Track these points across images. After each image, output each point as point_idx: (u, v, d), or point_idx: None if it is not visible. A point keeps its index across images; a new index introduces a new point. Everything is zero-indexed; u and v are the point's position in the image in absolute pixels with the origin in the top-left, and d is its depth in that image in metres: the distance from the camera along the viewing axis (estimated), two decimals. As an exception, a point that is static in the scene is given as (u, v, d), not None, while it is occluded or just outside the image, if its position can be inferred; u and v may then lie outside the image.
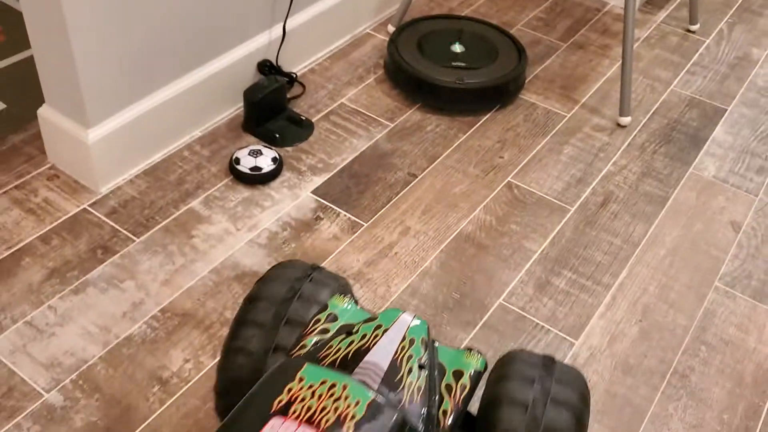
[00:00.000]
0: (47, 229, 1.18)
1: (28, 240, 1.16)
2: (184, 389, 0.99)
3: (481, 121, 1.47)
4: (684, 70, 1.66)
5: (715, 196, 1.36)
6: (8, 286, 1.10)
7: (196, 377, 1.01)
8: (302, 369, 0.72)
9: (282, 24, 1.45)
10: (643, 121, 1.52)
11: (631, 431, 1.00)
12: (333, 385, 0.71)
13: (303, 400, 0.69)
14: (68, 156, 1.24)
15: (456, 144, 1.42)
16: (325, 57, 1.59)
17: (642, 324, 1.14)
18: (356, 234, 1.23)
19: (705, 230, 1.30)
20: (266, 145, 1.34)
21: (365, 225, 1.25)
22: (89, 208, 1.22)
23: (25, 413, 0.95)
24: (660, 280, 1.21)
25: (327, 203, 1.27)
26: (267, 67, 1.44)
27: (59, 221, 1.19)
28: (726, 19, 1.84)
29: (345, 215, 1.26)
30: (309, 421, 0.68)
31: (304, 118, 1.42)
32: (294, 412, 0.68)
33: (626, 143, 1.46)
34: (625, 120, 1.49)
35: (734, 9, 1.88)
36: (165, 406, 0.97)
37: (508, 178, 1.36)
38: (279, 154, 1.32)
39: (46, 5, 1.07)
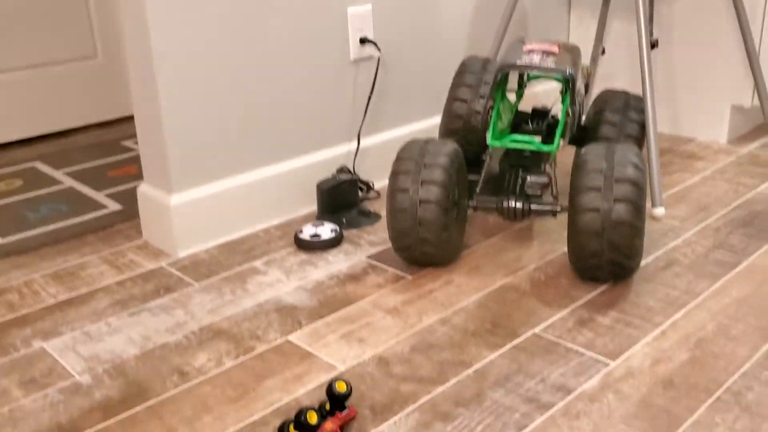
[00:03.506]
0: (125, 277, 1.32)
1: (106, 283, 1.30)
2: (200, 379, 1.02)
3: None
4: (770, 176, 1.62)
5: (795, 260, 1.26)
6: (78, 309, 1.22)
7: (215, 372, 1.03)
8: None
9: (357, 133, 1.62)
10: (722, 213, 1.47)
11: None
12: None
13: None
14: (154, 224, 1.42)
15: (516, 226, 1.44)
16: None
17: (694, 351, 1.03)
18: (399, 283, 1.25)
19: (780, 284, 1.19)
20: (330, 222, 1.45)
21: (410, 277, 1.27)
22: (165, 266, 1.35)
23: (54, 387, 1.02)
24: (721, 321, 1.10)
25: (378, 264, 1.32)
26: (345, 172, 1.60)
27: (136, 273, 1.33)
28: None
29: (393, 272, 1.29)
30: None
31: (372, 210, 1.53)
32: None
33: (701, 225, 1.41)
34: (659, 211, 1.44)
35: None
36: (178, 389, 1.00)
37: (565, 248, 1.35)
38: (339, 227, 1.42)
39: (146, 97, 1.32)
